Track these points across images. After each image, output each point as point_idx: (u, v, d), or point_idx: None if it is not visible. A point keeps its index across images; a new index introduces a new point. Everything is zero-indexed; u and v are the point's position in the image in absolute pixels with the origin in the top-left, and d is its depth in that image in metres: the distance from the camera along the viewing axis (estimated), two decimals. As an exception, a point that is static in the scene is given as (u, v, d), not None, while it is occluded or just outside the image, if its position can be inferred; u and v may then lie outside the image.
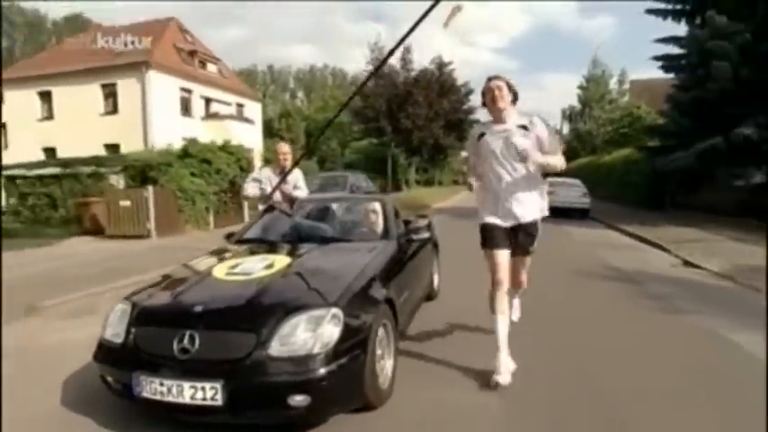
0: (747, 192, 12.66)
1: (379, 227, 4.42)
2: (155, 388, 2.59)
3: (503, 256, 3.48)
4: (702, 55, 13.85)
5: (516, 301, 4.22)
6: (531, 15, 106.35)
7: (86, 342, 3.38)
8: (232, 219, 13.90)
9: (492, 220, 3.50)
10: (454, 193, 33.80)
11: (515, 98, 3.46)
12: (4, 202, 15.61)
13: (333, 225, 4.59)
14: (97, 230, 12.61)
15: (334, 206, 5.09)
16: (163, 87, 25.44)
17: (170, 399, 2.56)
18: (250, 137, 26.79)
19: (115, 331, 2.94)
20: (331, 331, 2.64)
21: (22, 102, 26.00)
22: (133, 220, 12.02)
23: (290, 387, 2.52)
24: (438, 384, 3.36)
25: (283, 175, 5.10)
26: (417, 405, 3.06)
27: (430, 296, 5.40)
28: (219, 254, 3.99)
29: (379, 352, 3.00)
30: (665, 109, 18.40)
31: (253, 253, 3.84)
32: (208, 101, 29.42)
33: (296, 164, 5.33)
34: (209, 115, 28.56)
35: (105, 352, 2.95)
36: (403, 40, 4.24)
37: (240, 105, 32.41)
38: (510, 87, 3.42)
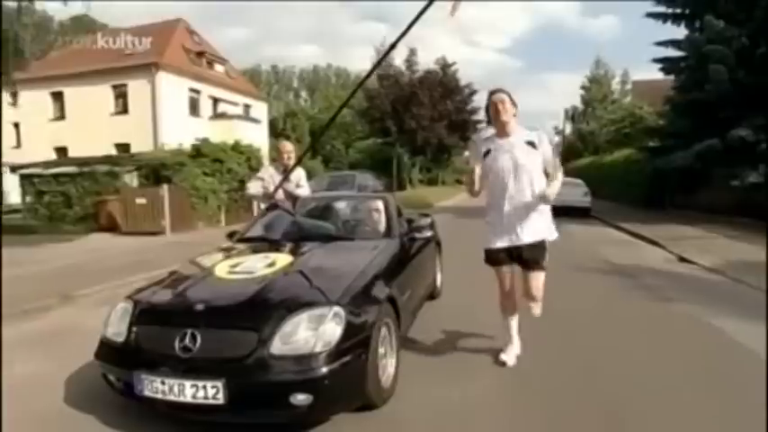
0: (743, 191, 12.98)
1: (382, 225, 4.41)
2: (156, 386, 2.59)
3: (507, 274, 3.60)
4: (700, 58, 14.15)
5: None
6: (533, 14, 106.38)
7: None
8: (242, 216, 14.31)
9: (494, 245, 3.53)
10: (457, 193, 34.21)
11: (516, 111, 3.47)
12: (19, 200, 16.06)
13: (335, 223, 4.56)
14: (112, 227, 13.06)
15: (337, 204, 5.09)
16: (172, 88, 25.85)
17: (171, 397, 2.56)
18: (256, 136, 27.18)
19: (116, 330, 2.94)
20: (333, 330, 2.63)
21: (35, 102, 26.46)
22: (149, 217, 12.46)
23: (292, 386, 2.51)
24: (440, 383, 3.36)
25: (286, 173, 5.06)
26: (419, 404, 3.06)
27: (432, 295, 5.36)
28: (221, 252, 4.00)
29: (381, 351, 2.99)
30: (664, 110, 18.76)
31: (255, 251, 3.83)
32: (215, 101, 29.76)
33: (298, 162, 5.29)
34: (217, 115, 28.90)
35: (107, 350, 2.95)
36: (402, 36, 4.19)
37: (247, 105, 32.78)
38: (512, 100, 3.45)
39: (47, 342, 4.57)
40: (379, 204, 4.68)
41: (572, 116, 50.77)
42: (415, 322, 4.23)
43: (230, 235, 4.71)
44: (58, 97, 26.93)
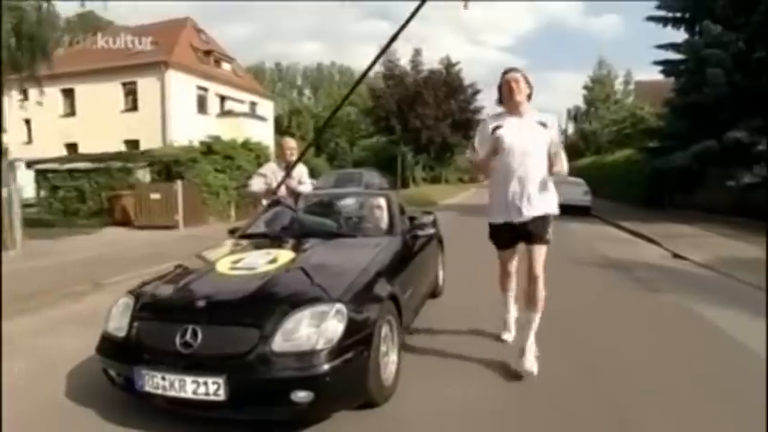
0: (738, 191, 13.35)
1: (384, 223, 4.39)
2: (157, 382, 2.58)
3: (511, 256, 3.67)
4: (698, 62, 14.52)
5: (531, 348, 3.47)
6: (537, 14, 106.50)
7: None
8: (251, 212, 14.74)
9: (499, 220, 3.50)
10: (460, 191, 34.70)
11: (530, 91, 3.44)
12: (34, 194, 16.49)
13: (337, 220, 4.54)
14: (126, 221, 13.47)
15: (339, 201, 5.07)
16: (181, 86, 26.34)
17: (172, 393, 2.55)
18: (262, 134, 27.59)
19: (118, 325, 2.93)
20: (335, 327, 2.62)
21: (46, 98, 26.79)
22: (163, 212, 12.86)
23: (293, 383, 2.50)
24: (441, 381, 3.36)
25: (288, 169, 5.03)
26: (421, 402, 3.06)
27: (434, 293, 5.33)
28: (224, 248, 4.00)
29: (383, 348, 2.97)
30: (663, 112, 19.16)
31: (257, 248, 3.81)
32: (223, 99, 30.22)
33: (300, 158, 5.23)
34: (224, 113, 29.38)
35: (108, 345, 2.94)
36: (398, 33, 4.12)
37: (253, 103, 33.23)
38: (526, 80, 3.40)
39: (89, 321, 5.01)
40: (382, 202, 4.67)
41: (575, 116, 51.15)
42: (416, 320, 4.24)
43: (232, 231, 4.71)
44: (68, 94, 27.37)
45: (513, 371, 3.45)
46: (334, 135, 48.31)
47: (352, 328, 2.68)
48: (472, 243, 4.80)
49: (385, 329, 3.03)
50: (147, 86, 25.85)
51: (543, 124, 3.37)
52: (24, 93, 25.20)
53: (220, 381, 2.48)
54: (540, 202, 3.40)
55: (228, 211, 14.65)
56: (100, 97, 26.10)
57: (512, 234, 3.51)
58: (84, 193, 15.50)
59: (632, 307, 5.42)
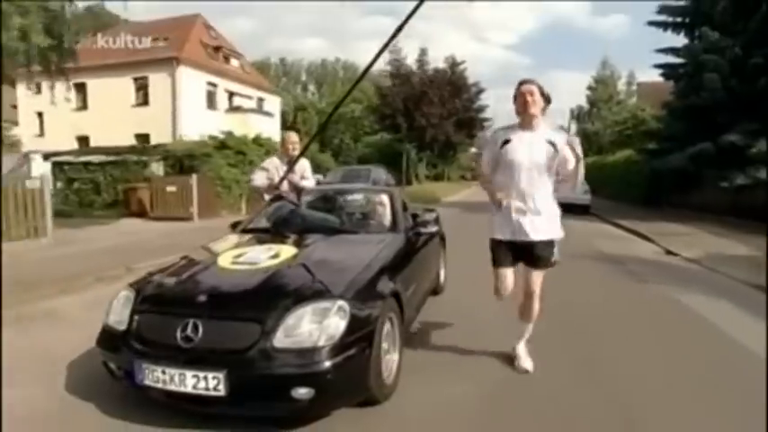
0: (732, 192, 13.77)
1: (387, 219, 4.38)
2: (157, 376, 2.57)
3: (508, 276, 3.47)
4: (697, 66, 14.94)
5: (523, 349, 3.64)
6: (542, 12, 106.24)
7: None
8: (261, 206, 15.24)
9: (501, 236, 3.40)
10: (463, 188, 35.11)
11: (548, 103, 3.30)
12: (51, 186, 16.97)
13: (340, 216, 4.52)
14: (142, 213, 13.95)
15: (342, 197, 5.05)
16: (191, 81, 26.76)
17: (172, 387, 2.54)
18: (269, 129, 28.03)
19: (118, 318, 2.92)
20: (337, 324, 2.60)
21: (58, 92, 27.26)
22: (178, 204, 13.35)
23: (294, 379, 2.48)
24: (442, 379, 3.36)
25: (291, 164, 4.96)
26: (421, 400, 3.05)
27: (436, 290, 5.33)
28: (227, 242, 4.01)
29: (384, 346, 2.95)
30: (662, 114, 19.63)
31: (259, 242, 3.80)
32: (231, 94, 30.62)
33: (303, 152, 5.19)
34: (233, 108, 29.80)
35: (108, 338, 2.92)
36: (399, 30, 3.96)
37: (260, 99, 33.64)
38: (542, 92, 3.26)
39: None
40: (385, 198, 4.66)
41: (577, 116, 51.41)
42: (418, 317, 4.24)
43: (234, 225, 4.68)
44: (80, 88, 27.75)
45: (514, 368, 3.49)
46: (338, 131, 48.76)
47: (355, 325, 2.66)
48: (474, 240, 4.76)
49: (387, 327, 3.02)
50: (158, 82, 26.29)
51: (553, 144, 3.20)
52: (38, 86, 25.85)
53: (221, 376, 2.47)
54: (546, 224, 3.32)
55: (240, 204, 15.16)
56: (111, 92, 26.54)
57: (514, 253, 3.41)
58: (99, 185, 16.00)
59: (621, 296, 5.90)
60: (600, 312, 5.14)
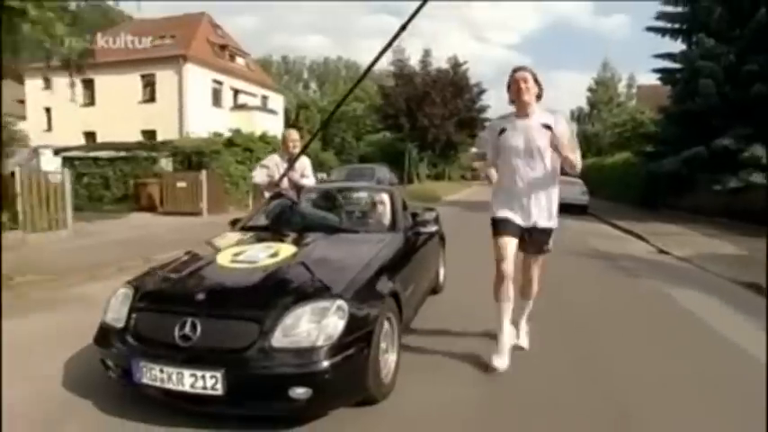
0: (724, 195, 14.15)
1: (387, 219, 4.35)
2: (154, 374, 2.55)
3: (510, 243, 3.38)
4: (693, 72, 15.31)
5: (524, 328, 3.85)
6: (544, 12, 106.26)
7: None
8: (261, 203, 15.62)
9: (503, 214, 3.41)
10: (463, 188, 35.45)
11: (540, 92, 3.35)
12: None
13: (340, 215, 4.51)
14: (151, 208, 14.31)
15: (342, 196, 5.01)
16: (197, 79, 27.03)
17: (170, 386, 2.53)
18: (273, 127, 28.37)
19: (116, 315, 2.89)
20: (335, 323, 2.58)
21: (65, 88, 27.58)
22: (188, 199, 13.70)
23: (292, 379, 2.47)
24: (440, 379, 3.36)
25: (291, 161, 4.94)
26: (419, 399, 3.04)
27: (435, 290, 5.32)
28: (224, 240, 3.95)
29: (382, 346, 2.93)
30: (658, 118, 20.04)
31: (258, 240, 3.76)
32: (236, 92, 30.92)
33: (303, 150, 5.15)
34: (238, 106, 30.11)
35: (106, 336, 2.89)
36: (401, 30, 3.83)
37: (264, 97, 33.95)
38: (536, 79, 3.31)
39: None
40: (385, 197, 4.62)
41: (577, 117, 51.70)
42: (416, 317, 4.23)
43: (233, 223, 4.66)
44: (88, 84, 28.09)
45: (512, 365, 3.47)
46: (340, 129, 49.06)
47: (353, 324, 2.64)
48: (474, 238, 4.91)
49: (386, 326, 3.00)
50: (165, 79, 26.55)
51: (548, 126, 3.26)
52: (46, 82, 26.17)
53: (218, 375, 2.46)
54: (545, 212, 3.39)
55: (247, 200, 15.52)
56: (119, 88, 26.83)
57: (515, 226, 3.41)
58: (109, 180, 16.31)
59: (614, 290, 6.29)
60: (594, 307, 5.39)
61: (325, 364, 2.49)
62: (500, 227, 3.41)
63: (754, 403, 3.02)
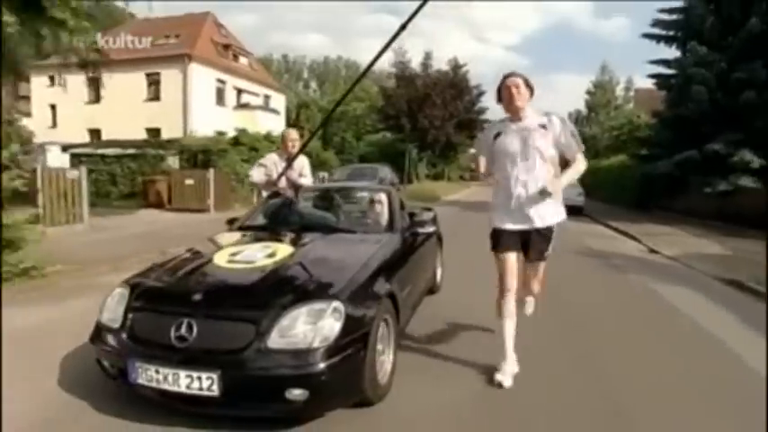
0: (714, 198, 14.58)
1: (384, 219, 4.32)
2: (150, 375, 2.54)
3: (512, 259, 3.36)
4: (686, 78, 15.75)
5: (530, 299, 3.86)
6: (545, 13, 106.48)
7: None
8: (258, 202, 16.02)
9: (504, 225, 3.34)
10: (462, 188, 35.84)
11: (531, 94, 3.32)
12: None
13: (337, 215, 4.50)
14: (159, 204, 14.66)
15: (339, 196, 5.00)
16: (202, 78, 27.39)
17: (165, 387, 2.52)
18: (275, 126, 28.71)
19: (112, 315, 2.88)
20: (332, 325, 2.57)
21: (71, 85, 27.87)
22: (196, 196, 14.09)
23: (289, 381, 2.47)
24: (437, 380, 3.35)
25: (290, 161, 4.90)
26: (416, 401, 3.03)
27: (432, 290, 5.32)
28: (221, 240, 3.94)
29: (379, 347, 2.92)
30: (653, 122, 20.51)
31: (255, 240, 3.75)
32: (239, 92, 31.28)
33: (302, 149, 5.13)
34: (240, 105, 30.47)
35: (102, 336, 2.88)
36: (401, 29, 3.78)
37: (267, 96, 34.30)
38: (527, 84, 3.29)
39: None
40: (383, 197, 4.60)
41: (575, 120, 52.08)
42: (413, 317, 4.19)
43: (230, 222, 4.64)
44: (94, 82, 28.38)
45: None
46: (340, 129, 49.37)
47: (350, 326, 2.64)
48: (473, 237, 4.92)
49: (382, 328, 2.99)
50: (169, 78, 26.89)
51: (544, 126, 3.25)
52: (51, 79, 26.46)
53: (214, 376, 2.45)
54: (546, 210, 3.30)
55: (252, 198, 15.90)
56: (124, 86, 27.07)
57: (517, 238, 3.37)
58: (116, 177, 16.66)
59: (605, 286, 6.70)
60: (587, 303, 5.64)
61: (322, 365, 2.49)
62: (501, 241, 3.38)
63: (736, 395, 3.23)
